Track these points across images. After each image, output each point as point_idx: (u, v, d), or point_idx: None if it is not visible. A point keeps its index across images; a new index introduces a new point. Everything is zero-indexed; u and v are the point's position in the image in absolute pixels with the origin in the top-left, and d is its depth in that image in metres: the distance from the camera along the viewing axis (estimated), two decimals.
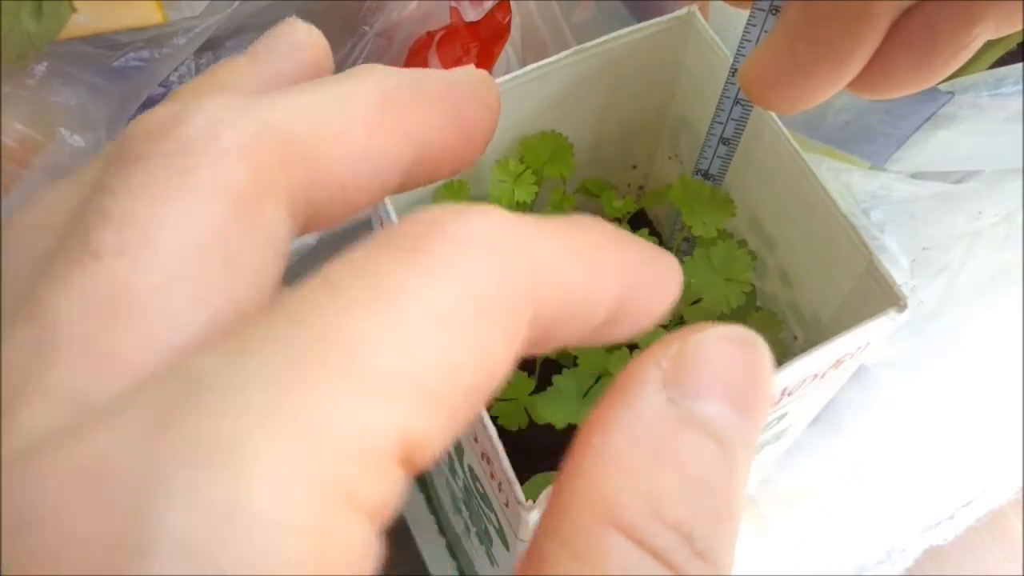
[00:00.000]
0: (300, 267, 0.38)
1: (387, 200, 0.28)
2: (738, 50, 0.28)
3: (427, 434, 0.10)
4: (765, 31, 0.26)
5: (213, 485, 0.09)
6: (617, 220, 0.34)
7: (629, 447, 0.12)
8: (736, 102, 0.29)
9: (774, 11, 0.25)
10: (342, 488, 0.10)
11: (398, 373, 0.10)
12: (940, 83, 0.34)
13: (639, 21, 0.32)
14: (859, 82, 0.21)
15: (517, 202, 0.33)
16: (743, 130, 0.30)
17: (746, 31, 0.27)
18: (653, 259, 0.14)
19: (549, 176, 0.34)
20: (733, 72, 0.29)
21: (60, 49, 0.31)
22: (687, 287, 0.32)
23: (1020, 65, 0.34)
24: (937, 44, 0.20)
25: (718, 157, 0.31)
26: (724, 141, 0.31)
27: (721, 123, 0.30)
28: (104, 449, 0.09)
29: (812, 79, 0.21)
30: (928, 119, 0.36)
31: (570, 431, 0.31)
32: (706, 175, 0.32)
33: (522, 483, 0.24)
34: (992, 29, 0.20)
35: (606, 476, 0.12)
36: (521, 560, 0.12)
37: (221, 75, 0.15)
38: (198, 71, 0.36)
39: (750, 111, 0.30)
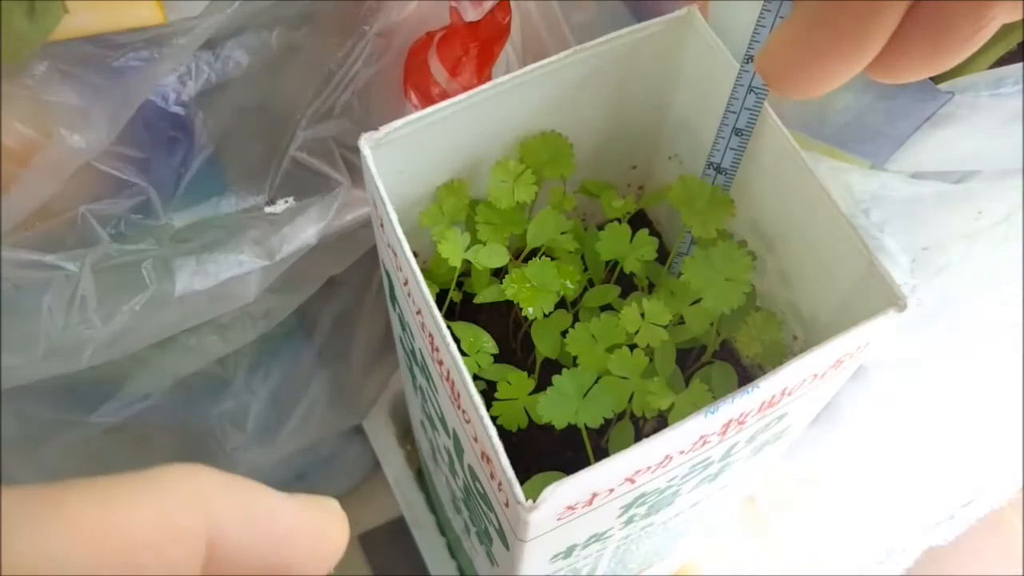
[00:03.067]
0: (300, 266, 0.38)
1: (387, 200, 0.28)
2: (752, 36, 0.27)
3: None
4: (780, 16, 0.26)
5: None
6: (617, 220, 0.34)
7: None
8: (750, 90, 0.29)
9: None
10: None
11: None
12: (940, 82, 0.34)
13: (639, 21, 0.32)
14: (876, 65, 0.21)
15: (517, 202, 0.33)
16: (756, 120, 0.30)
17: (761, 16, 0.26)
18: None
19: (549, 176, 0.34)
20: (748, 60, 0.28)
21: (60, 49, 0.31)
22: (687, 287, 0.32)
23: (1020, 65, 0.34)
24: (953, 26, 0.20)
25: (731, 149, 0.31)
26: (737, 132, 0.30)
27: (735, 112, 0.30)
28: None
29: (830, 63, 0.21)
30: (928, 119, 0.36)
31: (570, 431, 0.31)
32: (718, 168, 0.32)
33: (522, 483, 0.24)
34: (1008, 12, 0.19)
35: None
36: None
37: None
38: (198, 71, 0.36)
39: (764, 99, 0.29)
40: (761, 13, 0.26)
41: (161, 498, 0.15)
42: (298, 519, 0.17)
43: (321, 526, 0.18)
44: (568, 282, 0.33)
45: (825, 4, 0.20)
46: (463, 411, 0.27)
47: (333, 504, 0.18)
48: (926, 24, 0.20)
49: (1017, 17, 0.20)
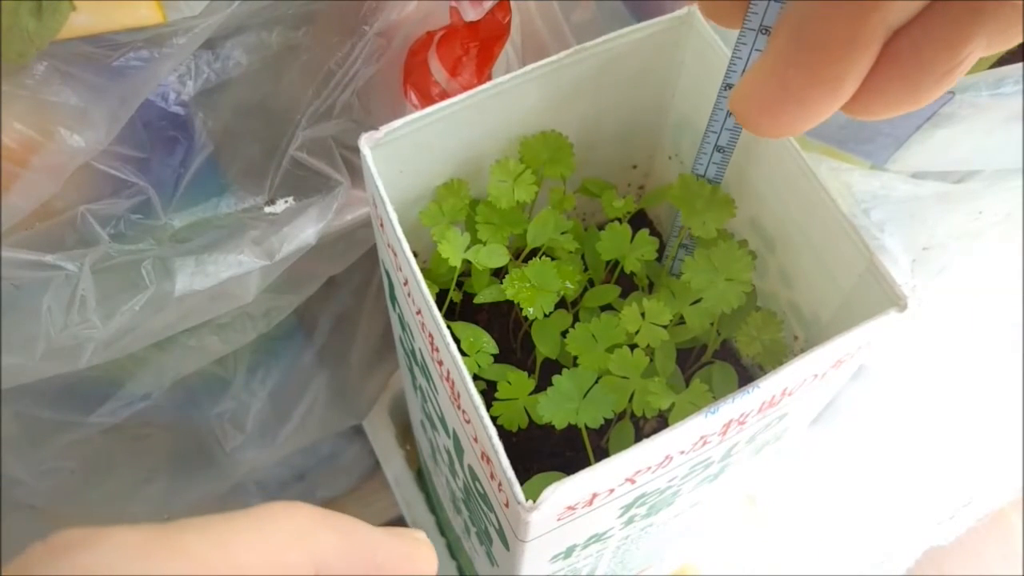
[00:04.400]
0: (300, 266, 0.38)
1: (387, 200, 0.28)
2: (729, 67, 0.28)
3: None
4: (756, 50, 0.26)
5: None
6: (617, 220, 0.34)
7: None
8: (730, 114, 0.29)
9: (764, 31, 0.25)
10: None
11: None
12: None
13: (639, 21, 0.32)
14: (852, 105, 0.21)
15: (517, 202, 0.33)
16: (738, 139, 0.30)
17: (736, 50, 0.27)
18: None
19: (549, 176, 0.34)
20: (727, 88, 0.29)
21: (60, 49, 0.31)
22: (687, 287, 0.32)
23: (1020, 65, 0.34)
24: (928, 65, 0.19)
25: (713, 163, 0.31)
26: (719, 149, 0.31)
27: (715, 132, 0.30)
28: None
29: (804, 105, 0.21)
30: (928, 119, 0.36)
31: (570, 431, 0.31)
32: (702, 178, 0.32)
33: (522, 483, 0.24)
34: (984, 47, 0.19)
35: None
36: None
37: None
38: (197, 71, 0.36)
39: None
40: (736, 46, 0.26)
41: (271, 535, 0.17)
42: (393, 551, 0.19)
43: (413, 557, 0.19)
44: (568, 282, 0.33)
45: (799, 45, 0.20)
46: (463, 411, 0.27)
47: (421, 536, 0.20)
48: (901, 63, 0.20)
49: (992, 51, 0.20)
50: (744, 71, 0.27)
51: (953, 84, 0.20)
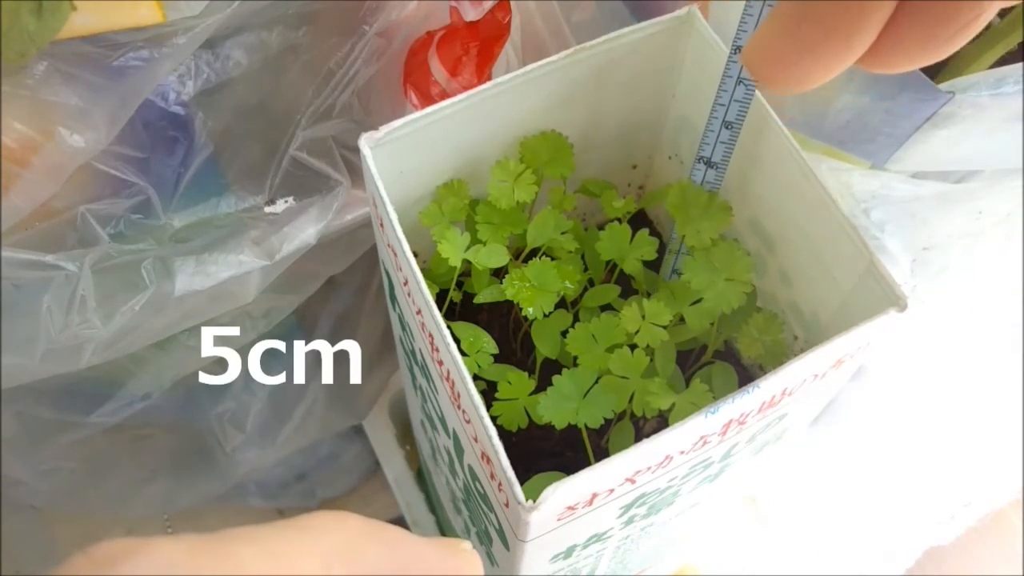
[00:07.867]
0: (300, 266, 0.38)
1: (387, 200, 0.28)
2: (740, 25, 0.27)
3: None
4: (769, 5, 0.26)
5: None
6: (617, 220, 0.34)
7: None
8: (739, 82, 0.29)
9: None
10: None
11: None
12: (940, 82, 0.34)
13: (639, 21, 0.32)
14: (869, 57, 0.20)
15: (517, 202, 0.33)
16: (746, 112, 0.30)
17: (748, 6, 0.26)
18: None
19: (549, 176, 0.34)
20: (736, 51, 0.28)
21: (60, 49, 0.31)
22: (687, 287, 0.32)
23: (1020, 65, 0.34)
24: (945, 18, 0.19)
25: (721, 143, 0.31)
26: (727, 124, 0.30)
27: (723, 105, 0.30)
28: None
29: (819, 58, 0.20)
30: (928, 119, 0.36)
31: (570, 431, 0.31)
32: (709, 163, 0.32)
33: (522, 483, 0.24)
34: None
35: None
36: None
37: None
38: (197, 71, 0.36)
39: (753, 92, 0.29)
40: (748, 2, 0.26)
41: (320, 546, 0.16)
42: (441, 563, 0.19)
43: (461, 568, 0.19)
44: (568, 282, 0.33)
45: None
46: (463, 411, 0.27)
47: (467, 546, 0.20)
48: (920, 15, 0.19)
49: (1011, 2, 0.19)
50: (755, 29, 0.26)
51: (970, 38, 0.20)
